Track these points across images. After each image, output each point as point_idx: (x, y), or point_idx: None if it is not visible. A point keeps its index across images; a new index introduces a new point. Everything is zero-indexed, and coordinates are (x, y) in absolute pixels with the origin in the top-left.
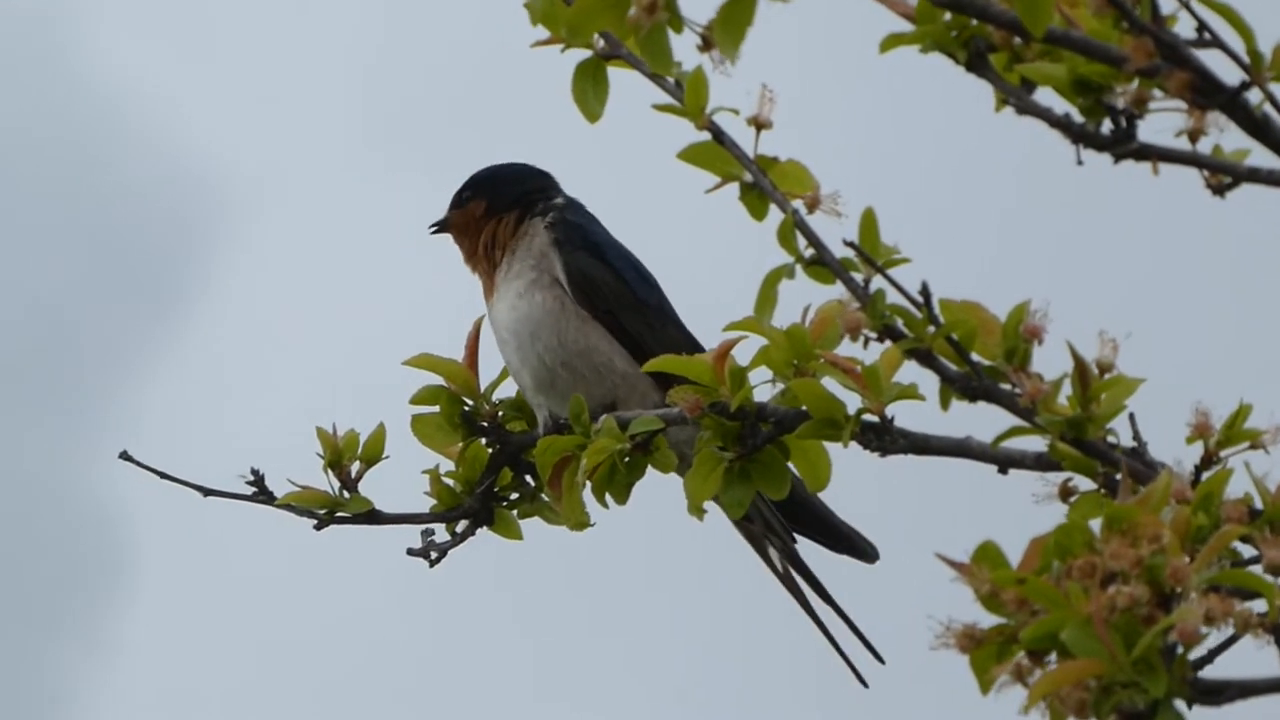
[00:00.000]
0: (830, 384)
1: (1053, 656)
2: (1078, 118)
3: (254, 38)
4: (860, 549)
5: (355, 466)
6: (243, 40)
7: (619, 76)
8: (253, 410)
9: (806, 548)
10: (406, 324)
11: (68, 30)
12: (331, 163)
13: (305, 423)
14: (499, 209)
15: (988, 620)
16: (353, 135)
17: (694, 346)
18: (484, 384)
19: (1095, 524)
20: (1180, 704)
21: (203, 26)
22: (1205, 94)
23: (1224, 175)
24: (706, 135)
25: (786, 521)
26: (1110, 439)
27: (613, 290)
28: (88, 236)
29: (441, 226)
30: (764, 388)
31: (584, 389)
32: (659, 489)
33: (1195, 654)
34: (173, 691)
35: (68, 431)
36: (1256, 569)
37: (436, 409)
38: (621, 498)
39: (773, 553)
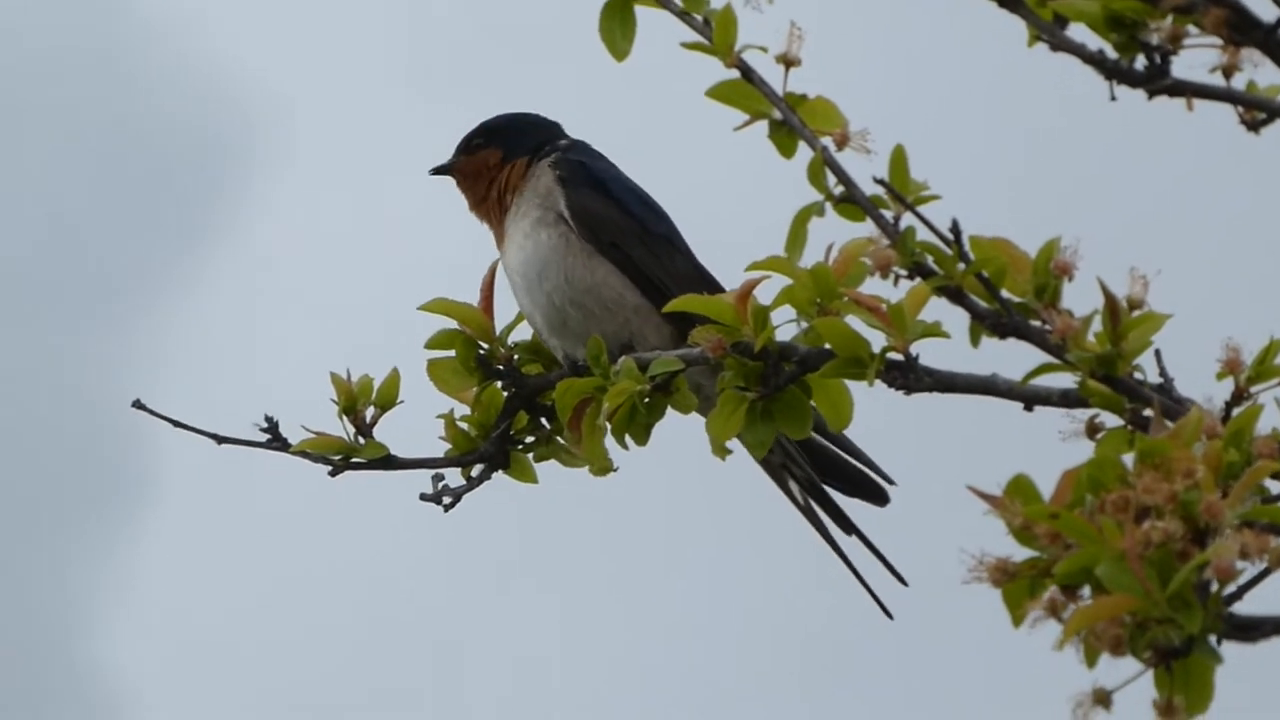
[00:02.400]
0: (854, 322)
1: (1086, 591)
2: (1111, 54)
3: None
4: (872, 491)
5: (370, 412)
6: None
7: (647, 15)
8: (273, 347)
9: None
10: (427, 267)
11: None
12: (366, 96)
13: (323, 365)
14: (511, 157)
15: (1020, 554)
16: (390, 69)
17: (703, 277)
18: (499, 327)
19: (1126, 459)
20: (1214, 640)
21: None
22: (1240, 30)
23: (1258, 111)
24: (735, 73)
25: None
26: (1138, 375)
27: (617, 223)
28: (119, 157)
29: (444, 170)
30: (787, 327)
31: (596, 326)
32: (676, 430)
33: (1228, 590)
34: (183, 630)
35: (95, 349)
36: None
37: (452, 353)
38: (641, 439)
39: (793, 485)
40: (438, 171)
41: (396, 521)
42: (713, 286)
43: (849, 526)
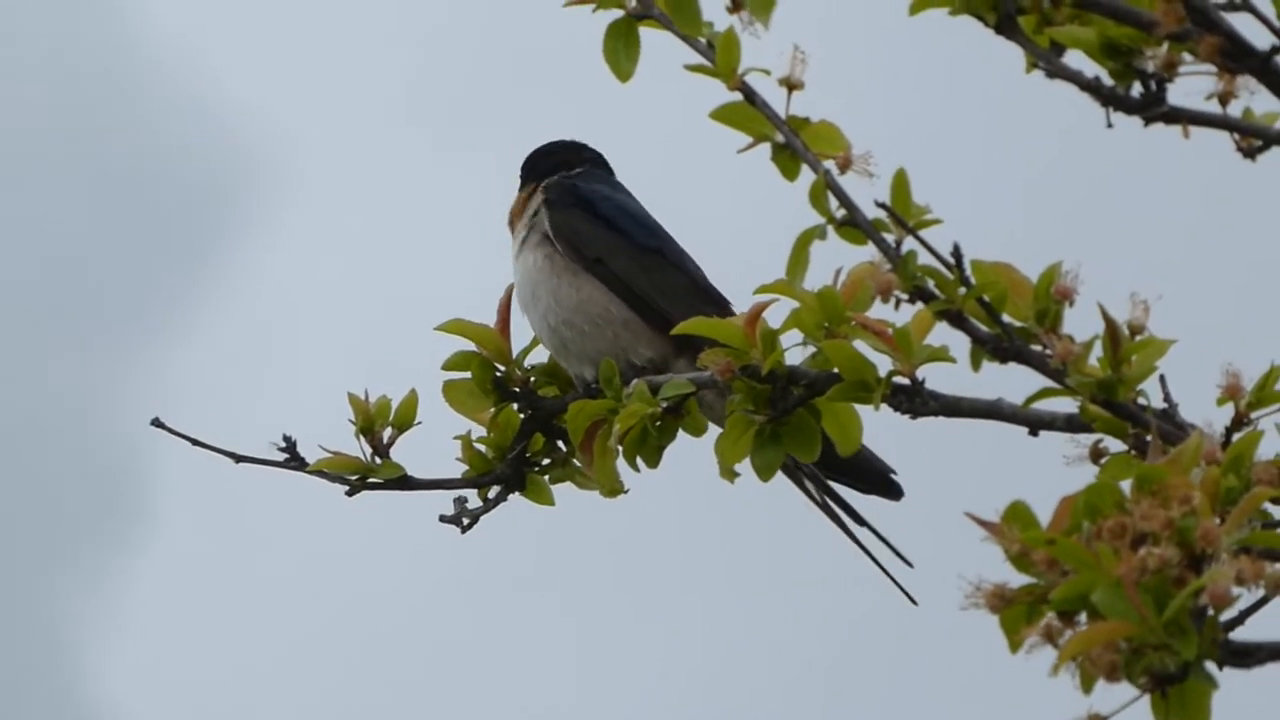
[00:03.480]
0: (861, 346)
1: (1083, 617)
2: (1108, 81)
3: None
4: (886, 486)
5: (387, 433)
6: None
7: (650, 37)
8: (287, 373)
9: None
10: (442, 290)
11: None
12: (369, 129)
13: (339, 389)
14: (524, 186)
15: (1017, 580)
16: (392, 104)
17: (701, 291)
18: (516, 349)
19: (1125, 485)
20: (1211, 666)
21: None
22: (1235, 57)
23: (1254, 138)
24: (738, 96)
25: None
26: (1141, 400)
27: (601, 238)
28: (128, 187)
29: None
30: (795, 350)
31: (590, 345)
32: (688, 452)
33: (1225, 616)
34: (186, 658)
35: (102, 375)
36: None
37: (468, 374)
38: (653, 461)
39: (808, 484)
40: None
41: (412, 542)
42: (715, 301)
43: (859, 518)
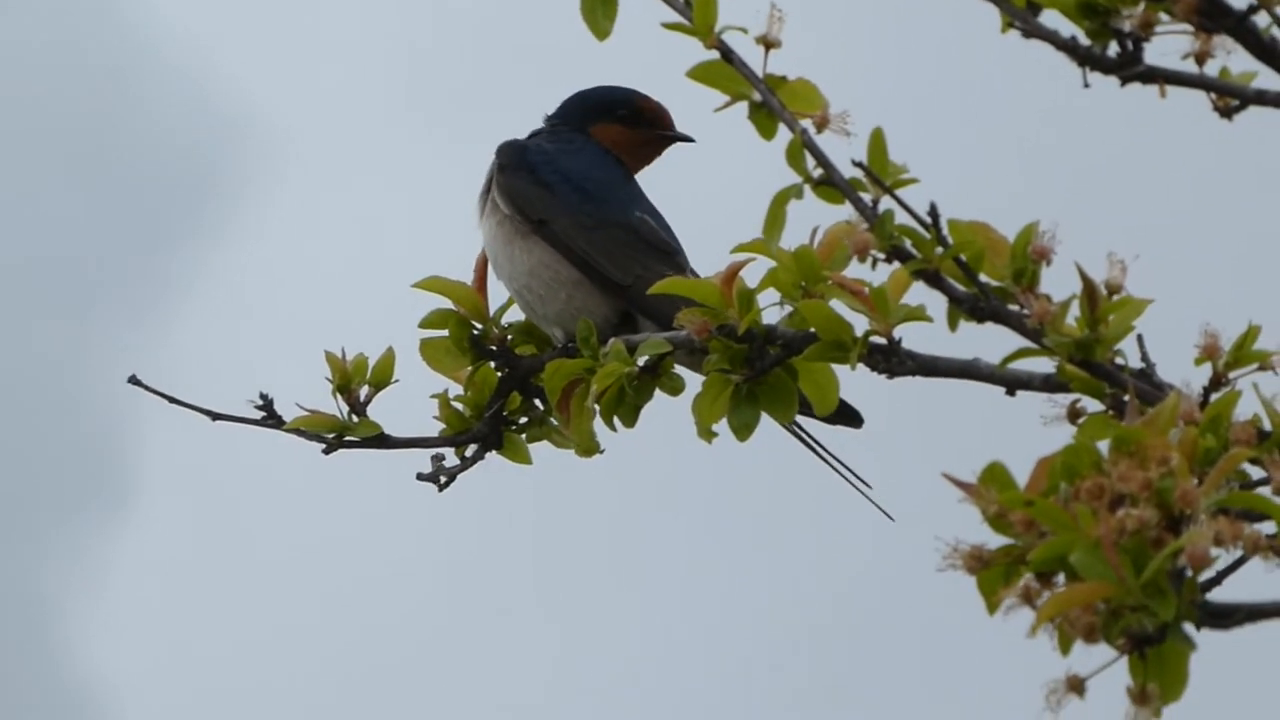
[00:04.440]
0: (838, 306)
1: (1060, 578)
2: (1084, 40)
3: None
4: (848, 414)
5: (364, 390)
6: None
7: None
8: (267, 341)
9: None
10: (428, 266)
11: None
12: (364, 110)
13: (318, 350)
14: None
15: (995, 542)
16: (378, 95)
17: (645, 244)
18: (493, 308)
19: (1103, 445)
20: (1189, 627)
21: None
22: (1212, 17)
23: (1231, 98)
24: (715, 54)
25: None
26: (1118, 360)
27: (543, 200)
28: (115, 167)
29: None
30: (772, 310)
31: (546, 306)
32: (666, 411)
33: (1203, 577)
34: (173, 610)
35: (85, 351)
36: (1265, 491)
37: (445, 333)
38: (630, 421)
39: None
40: None
41: (389, 500)
42: (662, 252)
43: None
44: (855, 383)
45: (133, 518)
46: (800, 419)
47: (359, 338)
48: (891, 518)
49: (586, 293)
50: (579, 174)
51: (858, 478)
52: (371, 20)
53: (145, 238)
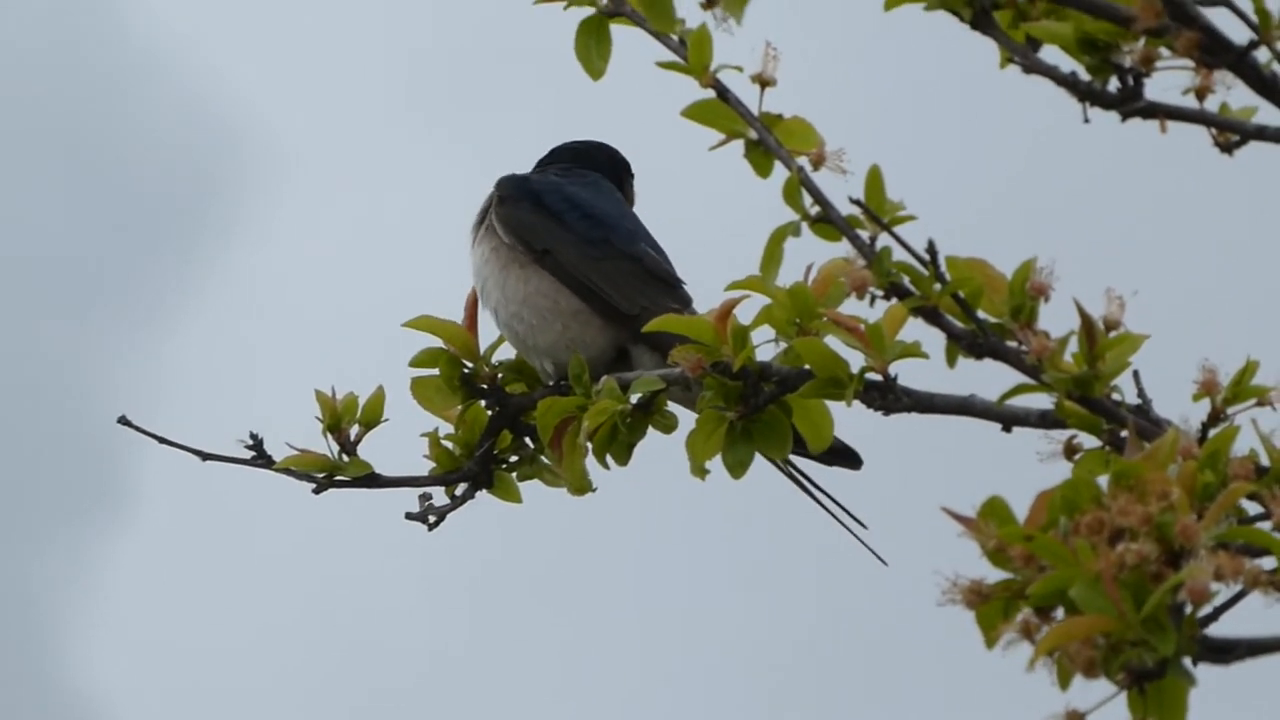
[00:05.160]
0: (833, 342)
1: (1060, 613)
2: (1084, 76)
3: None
4: (847, 454)
5: (354, 430)
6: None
7: (622, 33)
8: (260, 365)
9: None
10: (424, 285)
11: None
12: (361, 123)
13: (308, 384)
14: None
15: (994, 576)
16: (389, 98)
17: (651, 276)
18: (484, 346)
19: (1101, 480)
20: (1188, 662)
21: None
22: (1213, 52)
23: (1231, 133)
24: (711, 93)
25: None
26: (1115, 396)
27: (548, 230)
28: (116, 179)
29: None
30: (766, 347)
31: (540, 337)
32: (659, 449)
33: (1202, 612)
34: (158, 648)
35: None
36: (1264, 525)
37: (436, 371)
38: (622, 459)
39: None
40: None
41: (380, 539)
42: (668, 284)
43: (816, 486)
44: (851, 420)
45: (128, 526)
46: (798, 459)
47: (349, 371)
48: (885, 562)
49: (583, 324)
50: (587, 204)
51: (853, 517)
52: (370, 24)
53: (145, 244)
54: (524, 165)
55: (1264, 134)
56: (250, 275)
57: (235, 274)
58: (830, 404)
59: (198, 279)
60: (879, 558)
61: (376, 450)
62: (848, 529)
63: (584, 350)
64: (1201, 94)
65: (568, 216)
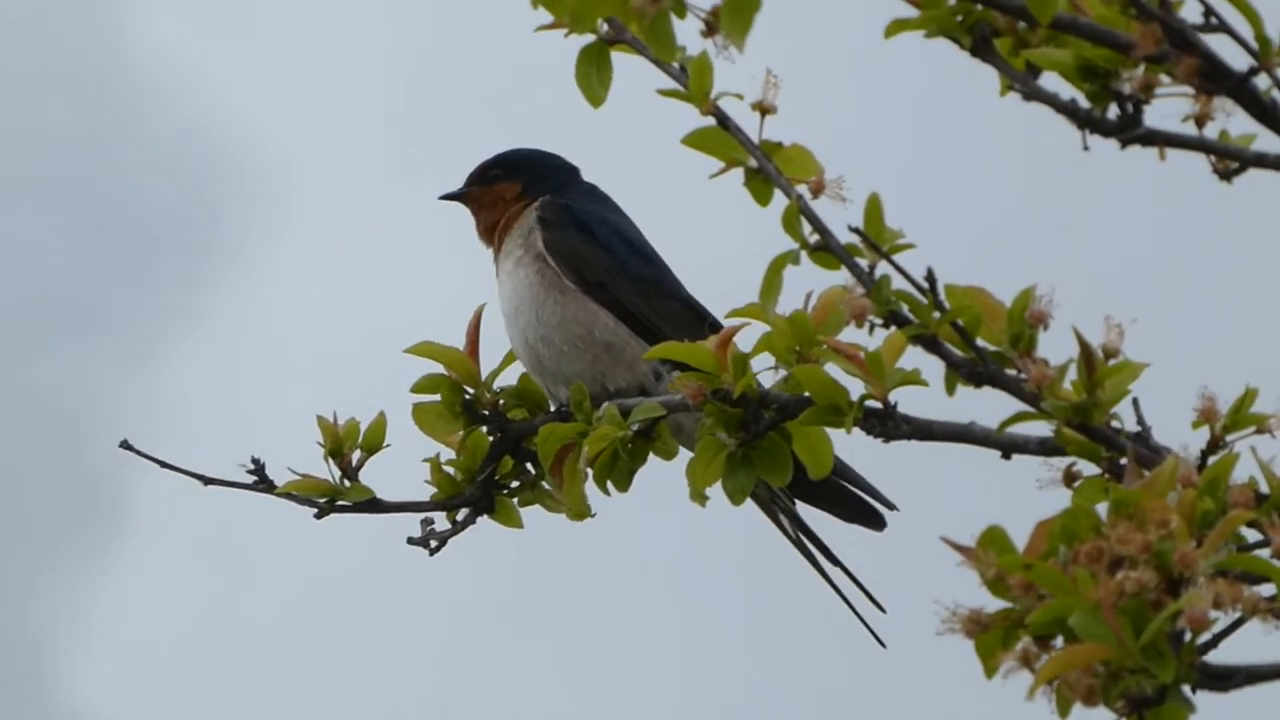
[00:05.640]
0: (833, 370)
1: (1059, 641)
2: (1084, 103)
3: (296, 24)
4: (869, 515)
5: (356, 455)
6: (284, 26)
7: (623, 61)
8: (262, 392)
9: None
10: (423, 314)
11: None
12: (361, 157)
13: (310, 410)
14: (528, 194)
15: (993, 605)
16: (377, 129)
17: (700, 318)
18: (485, 372)
19: (1101, 508)
20: (1188, 689)
21: (246, 8)
22: (1212, 79)
23: (1231, 160)
24: (711, 120)
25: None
26: (1115, 424)
27: (603, 263)
28: (121, 210)
29: (455, 196)
30: (766, 374)
31: (566, 364)
32: (660, 475)
33: (1202, 639)
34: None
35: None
36: (1263, 553)
37: (437, 397)
38: (623, 485)
39: (783, 518)
40: (447, 197)
41: (381, 565)
42: (712, 326)
43: (833, 558)
44: (851, 447)
45: (128, 551)
46: (818, 512)
47: (351, 398)
48: (884, 609)
49: (614, 357)
50: (635, 239)
51: (871, 599)
52: (369, 51)
53: (146, 270)
54: None
55: (1263, 161)
56: (251, 302)
57: (236, 301)
58: (830, 431)
59: (198, 306)
60: (878, 640)
61: (378, 476)
62: (850, 606)
63: (610, 383)
64: (1201, 121)
65: (618, 250)
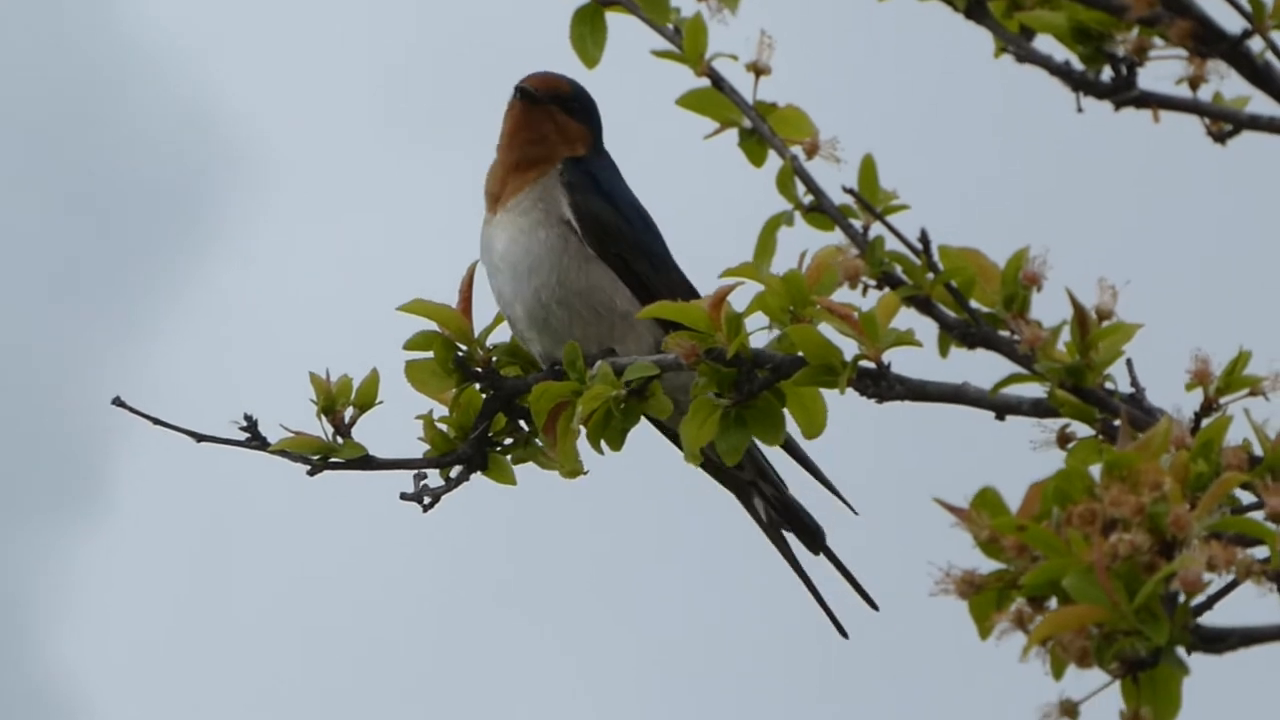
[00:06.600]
0: (827, 330)
1: (1053, 603)
2: (1077, 65)
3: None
4: (809, 530)
5: (349, 412)
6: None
7: (617, 22)
8: (255, 361)
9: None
10: (412, 282)
11: None
12: (350, 124)
13: (303, 363)
14: (578, 145)
15: (987, 566)
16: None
17: (694, 294)
18: (478, 329)
19: (1094, 470)
20: (1182, 652)
21: None
22: (1206, 42)
23: (1225, 122)
24: (705, 81)
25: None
26: (1108, 385)
27: (625, 235)
28: (107, 174)
29: (530, 97)
30: (760, 334)
31: (579, 329)
32: (654, 434)
33: (1195, 601)
34: (148, 633)
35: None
36: (1257, 516)
37: (430, 354)
38: (616, 444)
39: (758, 502)
40: (525, 96)
41: (374, 522)
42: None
43: (816, 546)
44: (844, 407)
45: (115, 513)
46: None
47: (344, 359)
48: (876, 606)
49: (628, 327)
50: (646, 213)
51: (865, 598)
52: (354, 31)
53: (131, 246)
54: None
55: (1257, 123)
56: (241, 271)
57: (225, 271)
58: (824, 392)
59: (186, 272)
60: (841, 629)
61: (370, 434)
62: (816, 595)
63: (623, 354)
64: (1195, 83)
65: (635, 224)
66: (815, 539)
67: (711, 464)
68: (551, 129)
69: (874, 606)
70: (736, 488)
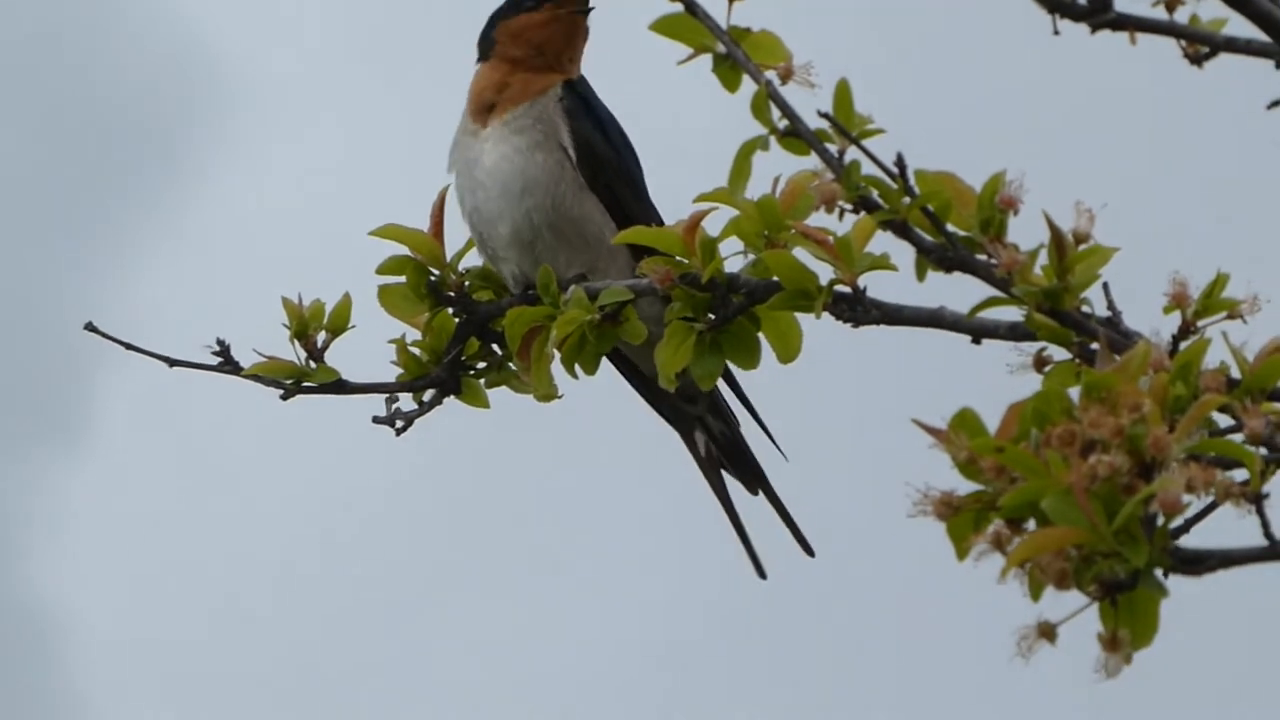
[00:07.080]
0: (802, 255)
1: (1031, 524)
2: None
3: None
4: (752, 470)
5: (321, 336)
6: None
7: None
8: (230, 286)
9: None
10: (377, 197)
11: None
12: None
13: (275, 294)
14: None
15: (965, 488)
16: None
17: (663, 224)
18: (450, 253)
19: (1072, 393)
20: (1160, 574)
21: None
22: None
23: (1201, 45)
24: (679, 6)
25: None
26: (1085, 309)
27: (614, 165)
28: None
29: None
30: (735, 259)
31: (566, 254)
32: None
33: (1174, 524)
34: (125, 559)
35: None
36: (1236, 438)
37: (403, 279)
38: (590, 368)
39: (699, 436)
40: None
41: (347, 446)
42: None
43: (756, 486)
44: (819, 331)
45: (91, 440)
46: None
47: (317, 284)
48: (812, 552)
49: (611, 257)
50: (631, 147)
51: (802, 543)
52: None
53: (102, 173)
54: None
55: (1234, 46)
56: (207, 211)
57: (197, 193)
58: (799, 316)
59: (157, 197)
60: (760, 571)
61: (343, 358)
62: (746, 542)
63: (598, 277)
64: (1171, 6)
65: (625, 158)
66: (757, 479)
67: (656, 396)
68: (566, 47)
69: (810, 553)
70: (680, 421)
